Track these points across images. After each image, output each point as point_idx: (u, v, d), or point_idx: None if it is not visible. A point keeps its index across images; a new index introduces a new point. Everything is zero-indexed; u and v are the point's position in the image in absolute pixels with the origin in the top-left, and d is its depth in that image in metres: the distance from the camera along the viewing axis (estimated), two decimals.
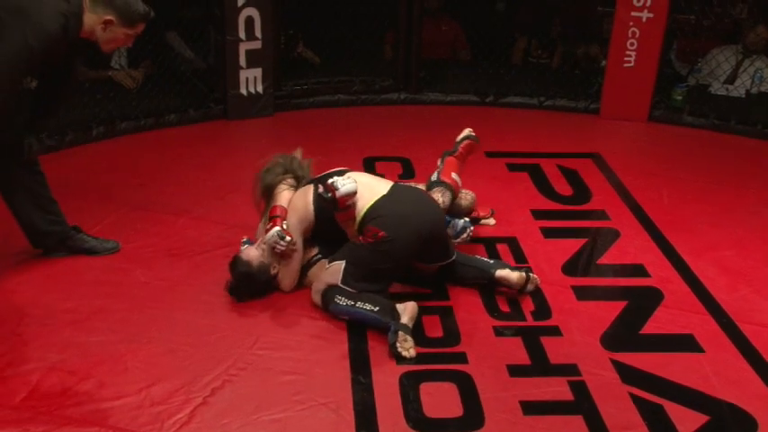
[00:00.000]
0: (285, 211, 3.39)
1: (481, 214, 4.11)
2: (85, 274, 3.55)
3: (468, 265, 3.53)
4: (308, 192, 3.41)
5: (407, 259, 3.35)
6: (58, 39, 3.02)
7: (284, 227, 3.33)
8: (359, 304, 3.16)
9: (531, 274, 3.48)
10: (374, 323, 3.16)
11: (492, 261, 3.56)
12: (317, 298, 3.33)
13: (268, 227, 3.35)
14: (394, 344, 3.05)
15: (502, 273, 3.45)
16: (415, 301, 3.27)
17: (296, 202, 3.41)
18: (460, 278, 3.54)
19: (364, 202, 3.26)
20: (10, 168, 3.40)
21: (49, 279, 3.50)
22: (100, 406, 2.76)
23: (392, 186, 3.38)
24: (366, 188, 3.31)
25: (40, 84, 3.18)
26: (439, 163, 3.80)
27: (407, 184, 3.48)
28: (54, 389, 2.83)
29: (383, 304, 3.16)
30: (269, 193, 3.51)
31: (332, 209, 3.28)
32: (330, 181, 3.22)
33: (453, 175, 3.73)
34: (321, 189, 3.29)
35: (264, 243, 3.34)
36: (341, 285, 3.23)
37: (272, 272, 3.41)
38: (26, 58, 2.96)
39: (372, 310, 3.14)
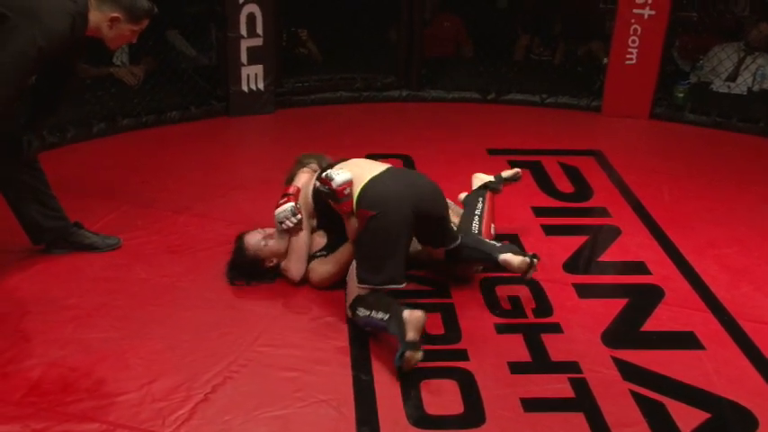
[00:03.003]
0: (299, 191, 3.44)
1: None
2: (87, 270, 3.55)
3: (475, 248, 3.46)
4: (310, 183, 3.47)
5: (404, 235, 3.20)
6: (66, 38, 3.03)
7: (298, 206, 3.39)
8: (373, 313, 3.06)
9: (534, 260, 3.35)
10: (385, 331, 3.07)
11: (498, 245, 3.48)
12: (349, 312, 3.20)
13: (281, 201, 3.39)
14: (399, 367, 2.94)
15: (505, 257, 3.36)
16: (417, 298, 3.29)
17: (304, 189, 3.47)
18: (466, 260, 3.51)
19: (356, 187, 3.21)
20: (10, 166, 3.41)
21: (50, 276, 3.50)
22: (101, 402, 2.76)
23: (386, 168, 3.33)
24: (358, 172, 3.26)
25: (40, 81, 3.18)
26: (480, 202, 3.77)
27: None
28: (55, 385, 2.83)
29: (394, 311, 3.00)
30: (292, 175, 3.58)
31: (333, 201, 3.24)
32: (324, 174, 3.21)
33: (492, 228, 3.72)
34: (318, 184, 3.30)
35: (276, 216, 3.38)
36: (359, 285, 3.15)
37: (269, 264, 3.43)
38: (34, 58, 2.97)
39: (383, 320, 3.02)
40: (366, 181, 3.21)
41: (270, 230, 3.47)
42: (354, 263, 3.23)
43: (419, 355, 2.91)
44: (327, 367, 3.00)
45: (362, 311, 3.10)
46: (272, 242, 3.43)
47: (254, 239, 3.44)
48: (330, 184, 3.17)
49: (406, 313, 2.93)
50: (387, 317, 2.99)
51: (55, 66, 3.19)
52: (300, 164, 3.61)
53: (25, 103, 3.32)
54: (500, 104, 5.97)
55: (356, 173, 3.25)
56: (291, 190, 3.45)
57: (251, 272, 3.45)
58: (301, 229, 3.43)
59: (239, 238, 3.48)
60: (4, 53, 2.91)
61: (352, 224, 3.25)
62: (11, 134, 3.29)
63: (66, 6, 3.01)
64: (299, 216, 3.38)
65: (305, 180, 3.50)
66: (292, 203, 3.39)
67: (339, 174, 3.17)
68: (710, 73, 6.12)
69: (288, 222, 3.38)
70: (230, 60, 5.34)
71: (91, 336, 3.11)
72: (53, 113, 3.52)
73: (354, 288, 3.19)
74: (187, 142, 5.06)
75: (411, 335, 2.90)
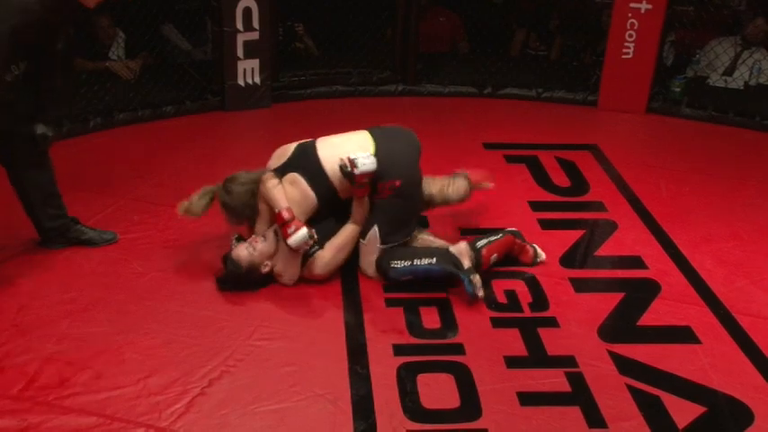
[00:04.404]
0: (292, 211, 3.30)
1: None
2: (83, 265, 3.55)
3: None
4: (297, 180, 3.36)
5: (419, 190, 3.54)
6: (36, 12, 3.01)
7: (312, 231, 3.29)
8: (416, 261, 3.32)
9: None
10: (438, 274, 3.34)
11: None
12: (371, 271, 3.45)
13: (291, 231, 3.26)
14: (473, 293, 3.28)
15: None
16: (413, 292, 3.33)
17: (292, 194, 3.34)
18: None
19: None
20: (21, 162, 3.40)
21: (47, 270, 3.50)
22: (97, 396, 2.77)
23: (371, 135, 3.46)
24: (351, 147, 3.37)
25: (35, 70, 3.17)
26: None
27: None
28: (52, 379, 2.84)
29: (438, 253, 3.33)
30: (247, 199, 3.47)
31: (350, 183, 3.31)
32: (353, 157, 3.25)
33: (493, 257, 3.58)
34: (341, 162, 3.28)
35: (292, 246, 3.28)
36: (382, 246, 3.37)
37: (264, 270, 3.39)
38: (7, 40, 2.97)
39: (432, 263, 3.30)
40: (372, 151, 3.33)
41: (250, 237, 3.43)
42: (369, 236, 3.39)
43: (478, 276, 3.32)
44: (324, 361, 3.01)
45: (400, 263, 3.34)
46: (260, 246, 3.37)
47: (244, 252, 3.35)
48: (353, 169, 3.23)
49: (453, 248, 3.36)
50: (434, 260, 3.32)
51: (44, 48, 3.18)
52: (251, 182, 3.47)
53: (26, 95, 3.28)
54: (496, 99, 5.97)
55: (354, 148, 3.34)
56: (287, 215, 3.27)
57: (248, 283, 3.39)
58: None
59: (227, 259, 3.38)
60: None
61: (365, 204, 3.37)
62: (13, 124, 3.29)
63: None
64: (315, 238, 3.32)
65: (282, 193, 3.34)
66: (305, 229, 3.26)
67: (365, 163, 3.25)
68: (707, 67, 6.12)
69: (305, 246, 3.32)
70: (226, 55, 5.33)
71: (88, 330, 3.11)
72: (60, 102, 3.47)
73: (370, 248, 3.39)
74: (183, 137, 5.05)
75: (466, 262, 3.32)
